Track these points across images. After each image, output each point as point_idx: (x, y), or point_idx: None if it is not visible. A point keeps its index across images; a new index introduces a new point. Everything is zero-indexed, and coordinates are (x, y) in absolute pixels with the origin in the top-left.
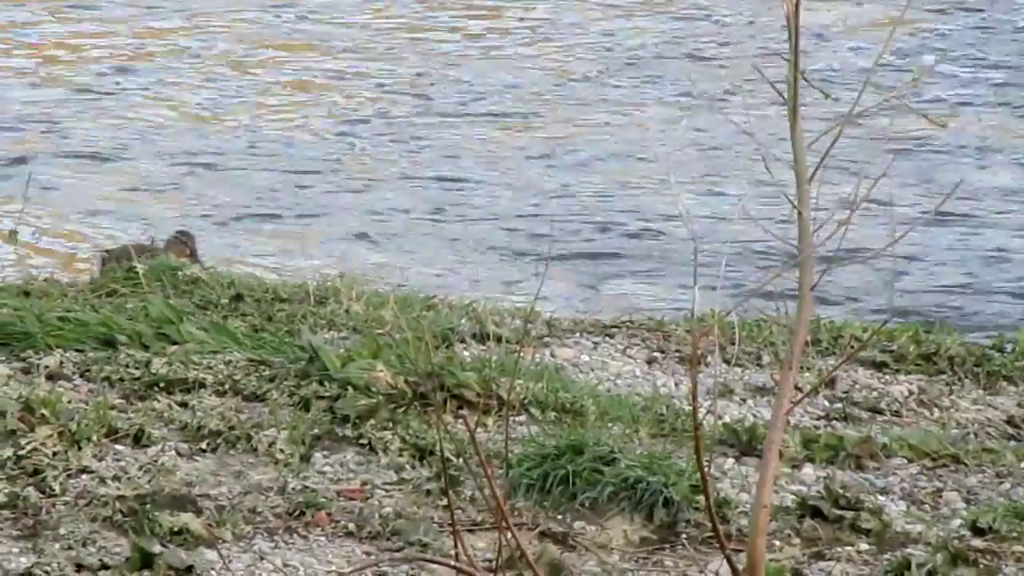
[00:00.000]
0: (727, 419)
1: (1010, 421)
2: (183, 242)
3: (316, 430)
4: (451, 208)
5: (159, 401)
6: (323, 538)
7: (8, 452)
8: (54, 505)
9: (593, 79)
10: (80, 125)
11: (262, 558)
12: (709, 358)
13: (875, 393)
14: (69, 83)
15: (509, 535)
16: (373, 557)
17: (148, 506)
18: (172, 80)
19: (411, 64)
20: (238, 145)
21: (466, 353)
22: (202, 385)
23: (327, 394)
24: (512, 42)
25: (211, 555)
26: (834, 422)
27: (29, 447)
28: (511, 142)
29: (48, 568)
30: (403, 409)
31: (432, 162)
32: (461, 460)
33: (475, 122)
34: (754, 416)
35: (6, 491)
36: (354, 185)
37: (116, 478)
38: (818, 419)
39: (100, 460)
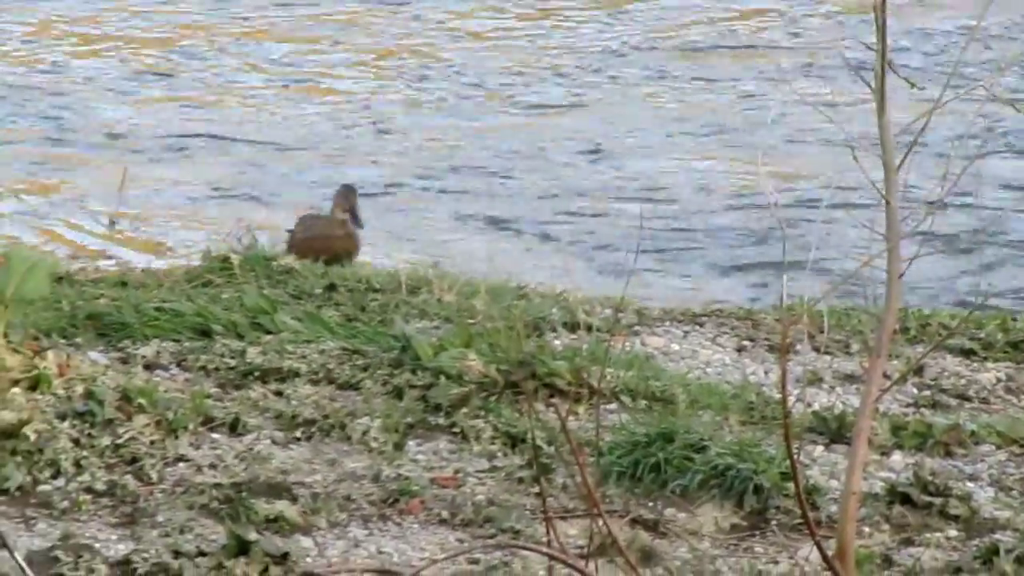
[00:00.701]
0: (816, 407)
1: None
2: (345, 196)
3: (409, 418)
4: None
5: (254, 390)
6: (416, 525)
7: (107, 441)
8: (152, 493)
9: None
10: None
11: (356, 545)
12: (798, 346)
13: (963, 380)
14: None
15: (600, 522)
16: (466, 544)
17: (244, 494)
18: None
19: None
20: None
21: (557, 342)
22: (296, 374)
23: (420, 383)
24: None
25: (306, 542)
26: (922, 409)
27: (127, 436)
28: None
29: (146, 555)
30: (495, 397)
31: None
32: (553, 448)
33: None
34: (843, 404)
35: (105, 479)
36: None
37: (212, 466)
38: (907, 406)
39: (196, 448)
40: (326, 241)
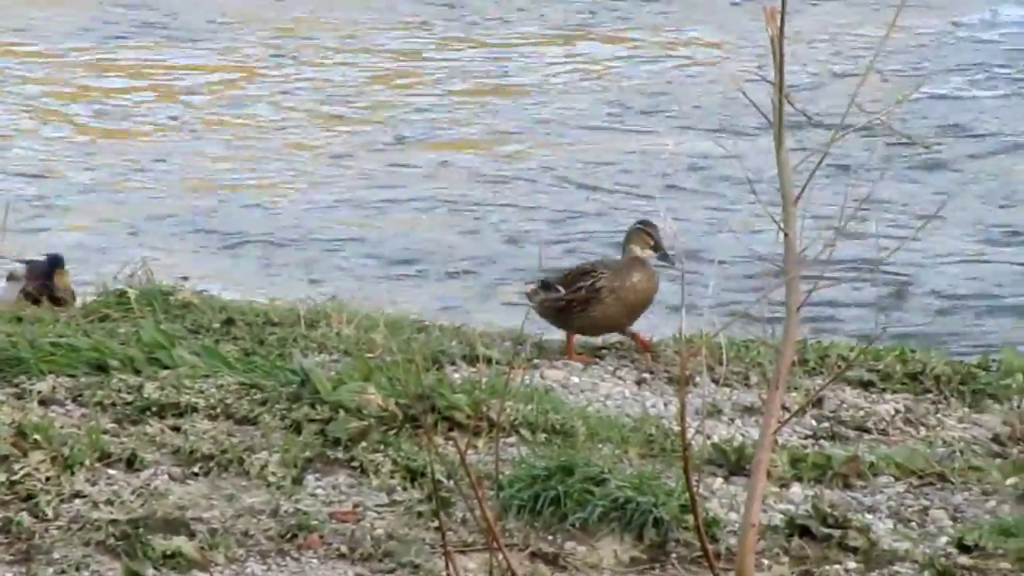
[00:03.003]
0: (715, 439)
1: (996, 439)
2: (647, 232)
3: (308, 453)
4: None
5: (151, 425)
6: (315, 560)
7: (1, 477)
8: (47, 530)
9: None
10: None
11: None
12: (698, 379)
13: (862, 412)
14: None
15: (500, 556)
16: None
17: (141, 530)
18: None
19: None
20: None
21: (456, 375)
22: (194, 409)
23: (319, 417)
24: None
25: None
26: (821, 441)
27: (22, 472)
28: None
29: None
30: (394, 431)
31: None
32: (452, 482)
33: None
34: (742, 436)
35: (0, 516)
36: None
37: (109, 502)
38: (806, 438)
39: (93, 484)
40: (647, 289)
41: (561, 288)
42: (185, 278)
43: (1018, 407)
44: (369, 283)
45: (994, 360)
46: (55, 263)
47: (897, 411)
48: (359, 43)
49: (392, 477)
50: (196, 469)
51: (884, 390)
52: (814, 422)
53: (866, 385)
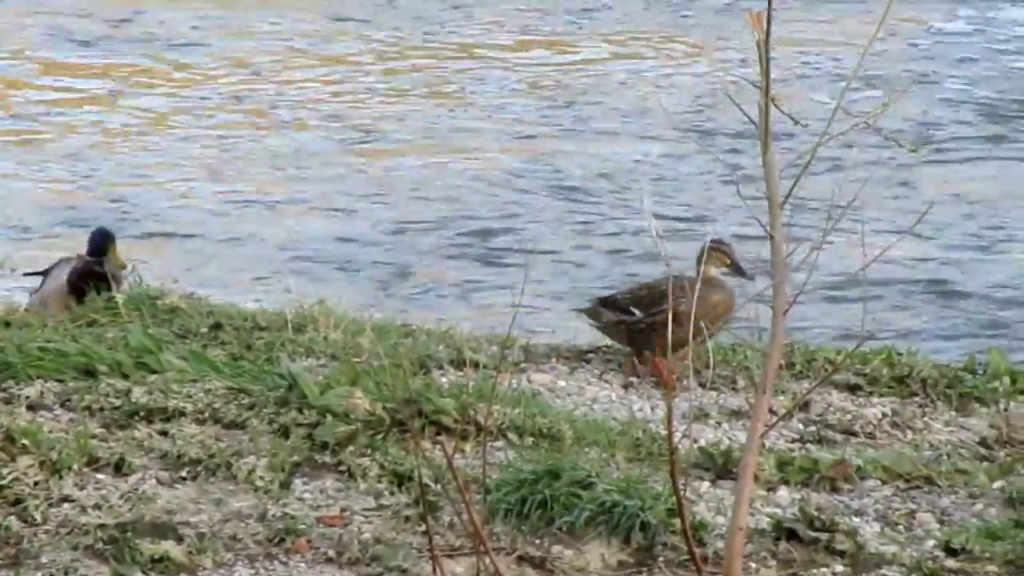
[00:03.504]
0: (702, 443)
1: (982, 442)
2: (722, 251)
3: (295, 457)
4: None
5: (139, 430)
6: (303, 564)
7: None
8: (36, 534)
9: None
10: None
11: None
12: (684, 382)
13: (849, 416)
14: None
15: (487, 560)
16: None
17: (129, 534)
18: None
19: None
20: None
21: (443, 379)
22: (182, 414)
23: (306, 421)
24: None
25: None
26: (808, 445)
27: (10, 477)
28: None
29: None
30: (381, 436)
31: None
32: (439, 486)
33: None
34: (729, 439)
35: None
36: None
37: (97, 507)
38: (793, 442)
39: (81, 489)
40: (727, 310)
41: (636, 311)
42: (175, 281)
43: (1004, 410)
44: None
45: (980, 363)
46: (107, 238)
47: (884, 414)
48: (314, 50)
49: (379, 481)
50: (184, 473)
51: (871, 393)
52: (801, 426)
53: (853, 388)
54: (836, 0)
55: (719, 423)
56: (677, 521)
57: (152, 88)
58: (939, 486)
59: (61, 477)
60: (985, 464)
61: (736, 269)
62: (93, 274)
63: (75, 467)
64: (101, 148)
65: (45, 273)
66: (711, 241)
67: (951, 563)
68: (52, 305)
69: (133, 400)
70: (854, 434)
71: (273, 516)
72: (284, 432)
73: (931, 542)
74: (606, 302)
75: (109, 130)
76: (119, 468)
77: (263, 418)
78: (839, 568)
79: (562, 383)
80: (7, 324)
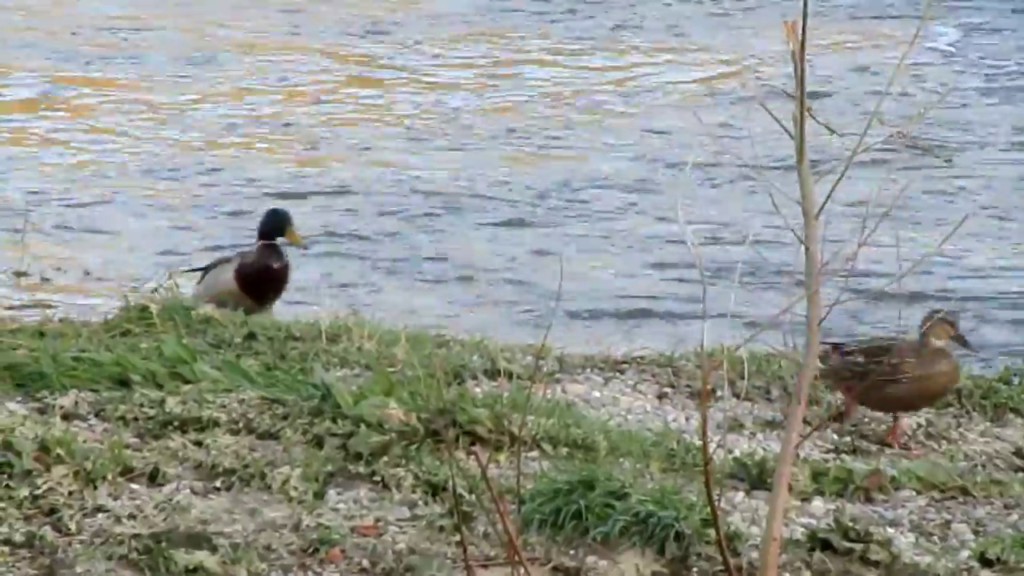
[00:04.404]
0: (737, 453)
1: (1017, 453)
2: (949, 322)
3: (329, 467)
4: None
5: (173, 440)
6: (337, 575)
7: (25, 492)
8: (70, 544)
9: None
10: None
11: None
12: (719, 392)
13: (884, 426)
14: None
15: (522, 570)
16: None
17: (163, 544)
18: None
19: None
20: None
21: (478, 390)
22: (216, 424)
23: (340, 431)
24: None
25: None
26: (843, 455)
27: (45, 486)
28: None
29: None
30: (416, 446)
31: None
32: (474, 496)
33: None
34: (764, 450)
35: (23, 530)
36: None
37: (131, 516)
38: (827, 452)
39: (115, 499)
40: (951, 382)
41: (860, 356)
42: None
43: None
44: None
45: (1015, 374)
46: (283, 218)
47: (919, 425)
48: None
49: (414, 491)
50: (218, 483)
51: None
52: (835, 436)
53: None
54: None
55: (753, 433)
56: (711, 531)
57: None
58: (974, 496)
59: (95, 487)
60: (1020, 474)
61: (961, 341)
62: (268, 271)
63: (109, 477)
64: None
65: (205, 270)
66: (939, 313)
67: (986, 574)
68: (226, 303)
69: (167, 410)
70: (889, 445)
71: (307, 526)
72: (318, 442)
73: (966, 552)
74: (836, 347)
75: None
76: (153, 478)
77: (297, 428)
78: None
79: (596, 393)
80: (41, 334)
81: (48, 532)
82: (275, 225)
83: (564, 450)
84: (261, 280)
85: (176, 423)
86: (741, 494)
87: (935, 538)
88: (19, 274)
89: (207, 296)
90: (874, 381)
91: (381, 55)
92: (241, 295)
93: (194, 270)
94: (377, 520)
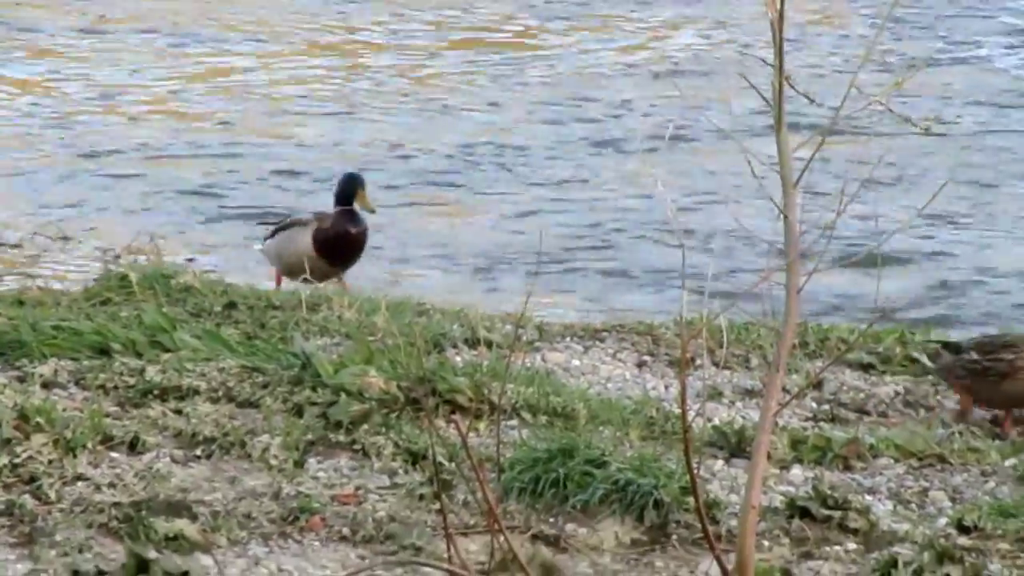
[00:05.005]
0: (716, 421)
1: (994, 420)
2: None
3: (309, 436)
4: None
5: (153, 408)
6: (317, 543)
7: (4, 460)
8: (50, 512)
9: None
10: None
11: (257, 563)
12: (698, 361)
13: (862, 394)
14: None
15: (501, 538)
16: (367, 561)
17: (143, 512)
18: None
19: None
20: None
21: (458, 358)
22: (196, 392)
23: (320, 400)
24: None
25: (206, 560)
26: (822, 423)
27: (25, 455)
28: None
29: (45, 574)
30: (396, 414)
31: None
32: (453, 464)
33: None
34: (743, 418)
35: (2, 499)
36: None
37: (111, 485)
38: (806, 420)
39: (95, 467)
40: None
41: (975, 354)
42: (191, 259)
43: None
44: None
45: None
46: (356, 181)
47: (897, 393)
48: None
49: (394, 460)
50: (198, 452)
51: (884, 372)
52: (814, 404)
53: (866, 367)
54: None
55: (733, 402)
56: (691, 499)
57: None
58: (951, 464)
59: (75, 455)
60: (997, 442)
61: None
62: (346, 235)
63: (89, 445)
64: None
65: (277, 229)
66: None
67: (963, 540)
68: (298, 267)
69: (147, 379)
70: (867, 413)
71: (287, 494)
72: (298, 411)
73: (943, 520)
74: (948, 346)
75: None
76: (133, 446)
77: (277, 397)
78: (852, 546)
79: (576, 362)
80: (21, 303)
81: (28, 500)
82: (348, 189)
83: (544, 418)
84: (339, 245)
85: (156, 392)
86: (720, 462)
87: (913, 505)
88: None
89: (280, 257)
90: (989, 378)
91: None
92: (318, 259)
93: (264, 223)
94: (357, 488)
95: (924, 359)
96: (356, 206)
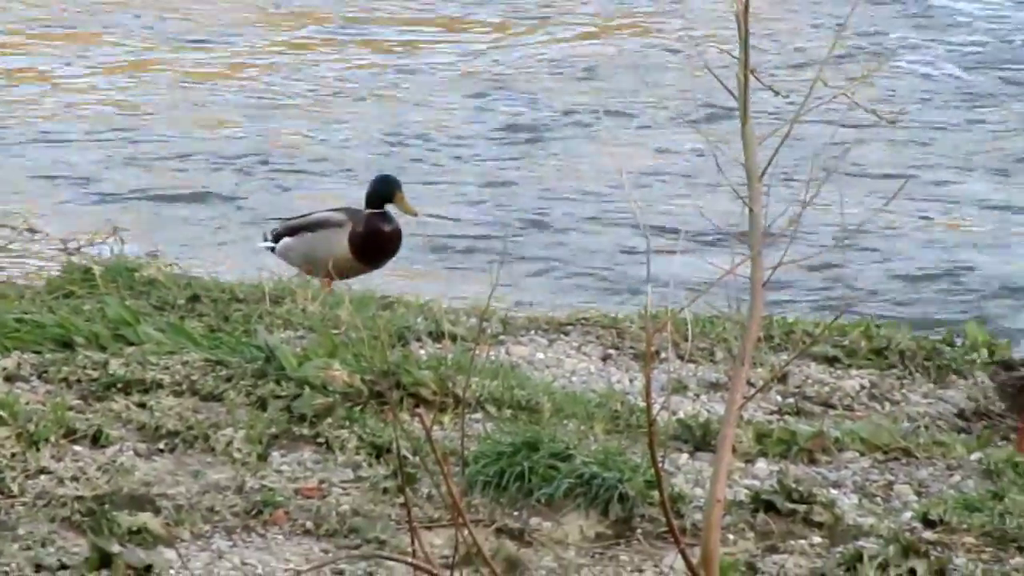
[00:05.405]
0: (681, 415)
1: (960, 414)
2: None
3: (273, 429)
4: None
5: (117, 402)
6: (281, 536)
7: None
8: (12, 506)
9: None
10: None
11: (220, 557)
12: (663, 354)
13: (827, 388)
14: None
15: (466, 532)
16: (331, 555)
17: (106, 506)
18: None
19: None
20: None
21: (422, 351)
22: (159, 386)
23: (284, 393)
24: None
25: (169, 554)
26: (787, 417)
27: None
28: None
29: (7, 569)
30: (360, 408)
31: None
32: (418, 458)
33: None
34: (708, 412)
35: None
36: None
37: (74, 478)
38: (771, 414)
39: (58, 461)
40: None
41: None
42: (155, 254)
43: (982, 382)
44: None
45: (959, 336)
46: (392, 184)
47: (862, 386)
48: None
49: (357, 453)
50: (161, 445)
51: (849, 365)
52: (779, 398)
53: (831, 361)
54: None
55: (697, 395)
56: (655, 493)
57: None
58: (917, 458)
59: (38, 449)
60: (963, 436)
61: None
62: (381, 235)
63: (52, 439)
64: None
65: (300, 228)
66: None
67: (929, 534)
68: (325, 268)
69: (110, 372)
70: (832, 406)
71: (251, 488)
72: (262, 404)
73: (909, 513)
74: (1006, 364)
75: None
76: (96, 440)
77: (241, 390)
78: (817, 540)
79: (541, 355)
80: None
81: None
82: (384, 192)
83: (508, 412)
84: (376, 246)
85: (119, 385)
86: (685, 456)
87: (878, 499)
88: None
89: (309, 258)
90: None
91: None
92: (353, 261)
93: (286, 219)
94: (321, 482)
95: (986, 378)
96: (394, 209)
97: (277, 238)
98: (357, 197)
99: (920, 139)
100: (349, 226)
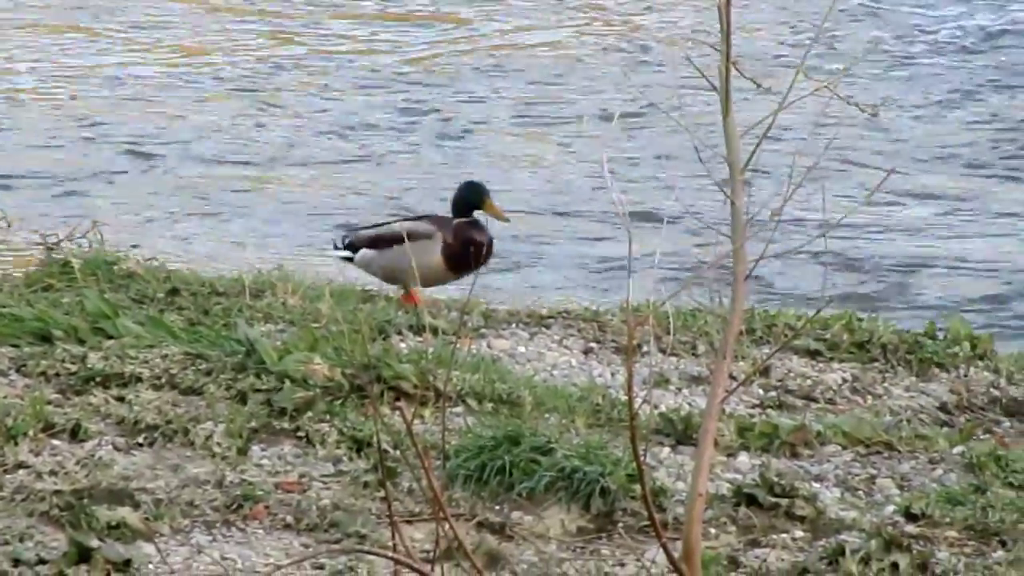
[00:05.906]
0: (663, 408)
1: (942, 407)
2: None
3: (253, 423)
4: None
5: (95, 396)
6: (261, 531)
7: None
8: None
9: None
10: None
11: (200, 551)
12: (645, 348)
13: (809, 381)
14: None
15: (447, 526)
16: (311, 549)
17: (85, 500)
18: None
19: None
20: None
21: (403, 345)
22: (139, 379)
23: (264, 387)
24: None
25: (149, 549)
26: (769, 410)
27: None
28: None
29: None
30: (340, 401)
31: None
32: (398, 452)
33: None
34: (689, 405)
35: None
36: None
37: (53, 473)
38: (753, 407)
39: (37, 455)
40: None
41: None
42: (135, 246)
43: (964, 376)
44: None
45: (941, 329)
46: (480, 191)
47: (844, 380)
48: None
49: (338, 447)
50: (141, 439)
51: (831, 359)
52: (761, 391)
53: (813, 354)
54: None
55: (679, 389)
56: (637, 487)
57: None
58: (899, 451)
59: (16, 443)
60: (945, 429)
61: None
62: (476, 246)
63: (31, 433)
64: None
65: (382, 239)
66: None
67: (911, 528)
68: (413, 278)
69: (89, 366)
70: (814, 400)
71: (231, 482)
72: (242, 398)
73: (891, 507)
74: None
75: None
76: (75, 434)
77: (220, 384)
78: (799, 533)
79: (522, 349)
80: None
81: None
82: (473, 199)
83: (489, 405)
84: (471, 257)
85: (98, 379)
86: (667, 449)
87: (860, 493)
88: None
89: (397, 271)
90: None
91: None
92: (446, 272)
93: (365, 227)
94: (301, 476)
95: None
96: (484, 216)
97: (350, 247)
98: None
99: (899, 131)
100: (439, 237)
